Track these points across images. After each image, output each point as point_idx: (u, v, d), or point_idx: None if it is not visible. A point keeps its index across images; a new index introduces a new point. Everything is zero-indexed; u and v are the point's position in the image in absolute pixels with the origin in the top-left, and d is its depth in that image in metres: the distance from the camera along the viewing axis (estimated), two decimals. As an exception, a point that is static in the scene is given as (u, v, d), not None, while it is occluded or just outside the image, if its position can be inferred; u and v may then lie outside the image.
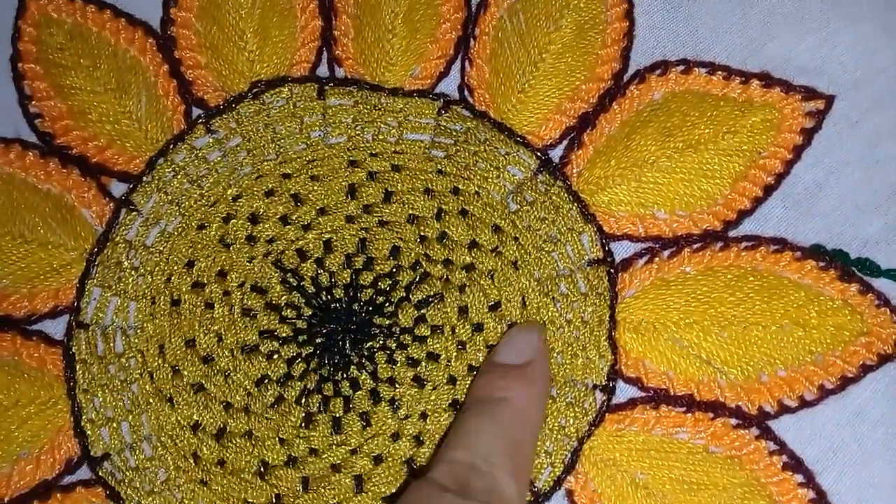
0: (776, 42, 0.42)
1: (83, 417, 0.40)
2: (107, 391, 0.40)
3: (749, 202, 0.40)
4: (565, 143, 0.42)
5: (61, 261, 0.42)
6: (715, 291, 0.39)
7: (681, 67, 0.42)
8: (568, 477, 0.39)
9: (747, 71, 0.42)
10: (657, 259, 0.40)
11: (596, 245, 0.40)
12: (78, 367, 0.40)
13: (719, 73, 0.42)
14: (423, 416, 0.40)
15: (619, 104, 0.42)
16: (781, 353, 0.38)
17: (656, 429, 0.38)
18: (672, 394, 0.39)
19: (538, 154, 0.42)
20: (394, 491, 0.39)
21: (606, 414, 0.39)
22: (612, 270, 0.40)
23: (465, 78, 0.43)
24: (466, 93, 0.43)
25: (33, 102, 0.44)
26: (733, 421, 0.38)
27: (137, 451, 0.40)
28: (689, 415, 0.38)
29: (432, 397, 0.40)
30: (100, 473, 0.39)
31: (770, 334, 0.39)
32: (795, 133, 0.41)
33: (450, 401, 0.40)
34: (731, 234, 0.40)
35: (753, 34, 0.43)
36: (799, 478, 0.37)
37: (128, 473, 0.39)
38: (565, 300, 0.40)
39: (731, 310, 0.39)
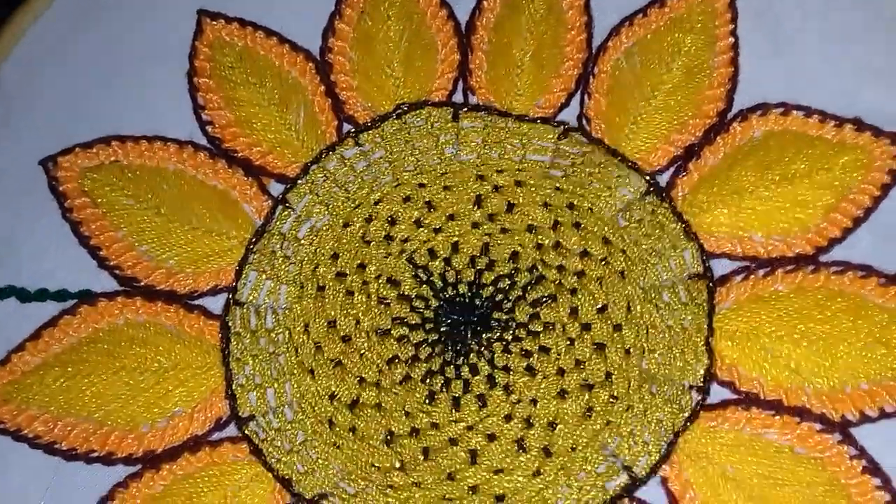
0: (868, 93, 0.45)
1: (234, 382, 0.44)
2: (256, 361, 0.44)
3: (839, 231, 0.43)
4: (672, 169, 0.45)
5: (223, 247, 0.46)
6: (805, 309, 0.42)
7: (780, 109, 0.45)
8: (663, 466, 0.41)
9: (841, 116, 0.45)
10: (752, 277, 0.43)
11: (697, 261, 0.44)
12: (232, 338, 0.45)
13: (815, 116, 0.45)
14: (534, 401, 0.43)
15: (723, 139, 0.45)
16: (865, 369, 0.41)
17: (746, 428, 0.41)
18: (762, 398, 0.41)
19: (647, 178, 0.45)
20: (504, 466, 0.42)
21: (701, 412, 0.41)
22: (711, 284, 0.43)
23: (584, 109, 0.47)
24: (584, 122, 0.47)
25: (205, 111, 0.49)
26: (818, 426, 0.40)
27: (280, 415, 0.44)
28: (777, 417, 0.41)
29: (542, 385, 0.43)
30: (245, 432, 0.43)
31: (855, 350, 0.41)
32: (884, 173, 0.43)
33: (558, 390, 0.43)
34: (822, 258, 0.43)
35: (847, 85, 0.46)
36: (877, 481, 0.39)
37: (270, 433, 0.43)
38: (667, 308, 0.43)
39: (819, 326, 0.42)
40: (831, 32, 0.47)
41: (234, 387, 0.44)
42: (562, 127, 0.46)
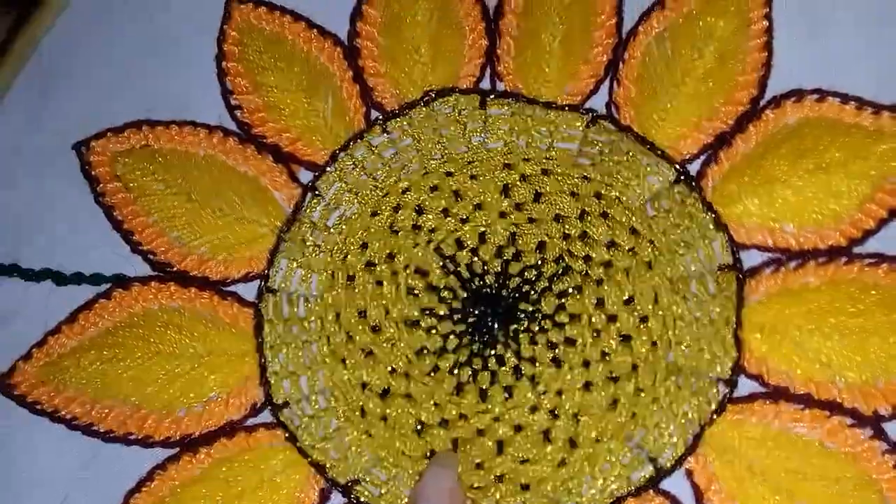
0: (908, 77, 0.43)
1: (268, 369, 0.44)
2: (290, 348, 0.44)
3: (874, 223, 0.41)
4: (702, 158, 0.44)
5: (254, 234, 0.46)
6: (837, 302, 0.40)
7: (815, 96, 0.43)
8: (688, 458, 0.40)
9: (878, 103, 0.43)
10: (783, 269, 0.41)
11: (726, 252, 0.42)
12: (266, 325, 0.44)
13: (852, 102, 0.43)
14: (559, 393, 0.42)
15: (755, 126, 0.43)
16: (898, 363, 0.39)
17: (774, 422, 0.40)
18: (791, 391, 0.40)
19: (677, 167, 0.43)
20: (530, 456, 0.42)
21: (728, 404, 0.40)
22: (740, 276, 0.42)
23: (613, 96, 0.45)
24: (613, 109, 0.45)
25: (234, 96, 0.48)
26: (849, 420, 0.39)
27: (313, 402, 0.43)
28: (807, 411, 0.40)
29: (568, 377, 0.42)
30: (280, 418, 0.43)
31: (888, 345, 0.40)
32: (923, 162, 0.41)
33: (583, 381, 0.42)
34: (856, 250, 0.41)
35: (886, 70, 0.43)
36: (909, 477, 0.38)
37: (304, 420, 0.43)
38: (695, 299, 0.42)
39: (851, 320, 0.40)
40: (869, 15, 0.44)
41: (268, 374, 0.44)
42: (590, 114, 0.44)
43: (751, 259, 0.42)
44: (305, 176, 0.46)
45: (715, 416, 0.40)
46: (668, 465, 0.40)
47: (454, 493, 0.35)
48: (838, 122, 0.43)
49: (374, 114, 0.47)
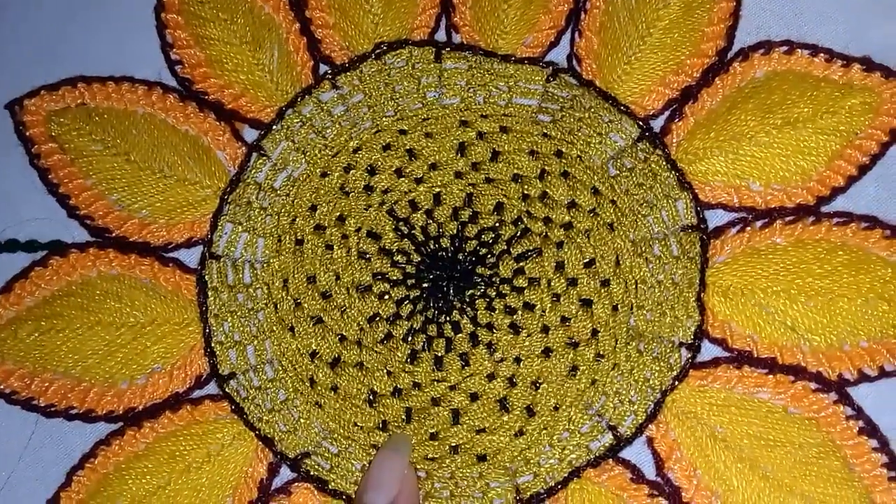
0: (879, 30, 0.41)
1: (213, 339, 0.41)
2: (235, 317, 0.42)
3: (843, 180, 0.40)
4: (667, 113, 0.42)
5: (196, 197, 0.43)
6: (804, 263, 0.39)
7: (784, 48, 0.41)
8: (649, 425, 0.39)
9: (849, 55, 0.41)
10: (749, 229, 0.40)
11: (690, 212, 0.40)
12: (210, 293, 0.42)
13: (821, 55, 0.41)
14: (517, 360, 0.40)
15: (722, 80, 0.41)
16: (865, 325, 0.38)
17: (738, 387, 0.38)
18: (755, 356, 0.39)
19: (640, 123, 0.41)
20: (486, 426, 0.40)
21: (690, 370, 0.39)
22: (704, 236, 0.40)
23: (575, 48, 0.43)
24: (575, 62, 0.43)
25: (174, 50, 0.45)
26: (813, 385, 0.38)
27: (261, 373, 0.41)
28: (771, 376, 0.38)
29: (526, 343, 0.40)
30: (226, 390, 0.41)
31: (855, 307, 0.38)
32: (893, 117, 0.40)
33: (542, 348, 0.40)
34: (824, 209, 0.40)
35: (857, 20, 0.41)
36: (873, 443, 0.37)
37: (251, 392, 0.41)
38: (658, 262, 0.40)
39: (818, 281, 0.39)
40: (840, -37, 0.42)
41: (213, 344, 0.41)
42: (550, 68, 0.42)
43: (716, 219, 0.40)
44: (250, 134, 0.44)
45: (677, 383, 0.39)
46: (629, 433, 0.39)
47: (406, 479, 0.33)
48: (807, 76, 0.41)
49: (323, 68, 0.44)
